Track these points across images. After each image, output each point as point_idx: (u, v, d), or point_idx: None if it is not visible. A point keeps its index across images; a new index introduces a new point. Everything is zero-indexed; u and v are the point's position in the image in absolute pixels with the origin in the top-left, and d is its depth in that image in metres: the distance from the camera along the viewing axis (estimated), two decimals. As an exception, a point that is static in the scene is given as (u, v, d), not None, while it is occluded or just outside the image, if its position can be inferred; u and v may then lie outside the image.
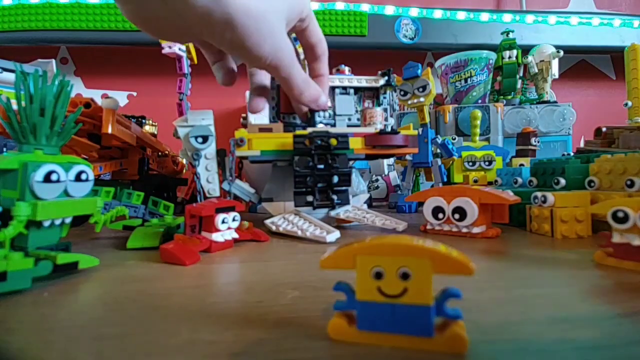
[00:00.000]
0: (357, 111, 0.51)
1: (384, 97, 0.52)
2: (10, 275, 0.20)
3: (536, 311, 0.17)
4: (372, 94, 0.52)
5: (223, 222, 0.31)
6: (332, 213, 0.41)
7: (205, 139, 0.37)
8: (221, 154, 0.42)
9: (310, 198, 0.40)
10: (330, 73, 0.52)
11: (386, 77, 0.51)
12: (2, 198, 0.23)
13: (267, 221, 0.40)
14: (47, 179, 0.23)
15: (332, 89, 0.50)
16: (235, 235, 0.33)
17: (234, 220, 0.32)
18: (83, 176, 0.26)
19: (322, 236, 0.34)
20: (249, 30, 0.28)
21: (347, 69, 0.52)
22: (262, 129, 0.42)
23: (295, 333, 0.15)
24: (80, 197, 0.26)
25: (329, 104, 0.40)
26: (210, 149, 0.39)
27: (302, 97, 0.36)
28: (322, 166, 0.40)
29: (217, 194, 0.39)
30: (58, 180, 0.24)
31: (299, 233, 0.36)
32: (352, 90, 0.50)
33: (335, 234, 0.34)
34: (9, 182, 0.23)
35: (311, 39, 0.36)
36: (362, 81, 0.51)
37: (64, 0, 0.95)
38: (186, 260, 0.27)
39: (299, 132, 0.41)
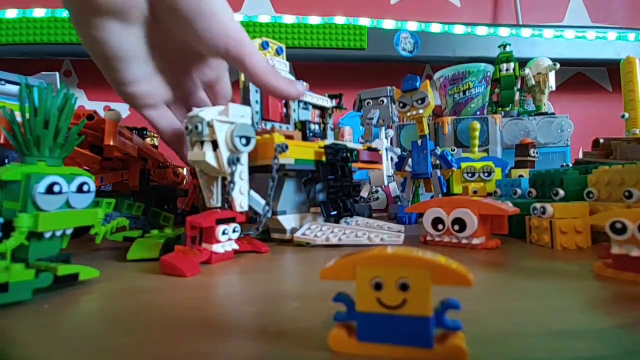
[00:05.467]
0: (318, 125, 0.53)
1: (330, 117, 0.56)
2: (12, 286, 0.20)
3: (536, 322, 0.17)
4: (322, 113, 0.55)
5: (223, 233, 0.31)
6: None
7: (248, 140, 0.32)
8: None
9: (332, 208, 0.42)
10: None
11: (336, 99, 0.54)
12: (4, 209, 0.24)
13: (299, 235, 0.38)
14: (49, 190, 0.23)
15: (299, 103, 0.51)
16: (236, 247, 0.33)
17: (234, 231, 0.32)
18: (85, 187, 0.26)
19: (396, 240, 0.37)
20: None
21: (305, 84, 0.54)
22: (288, 137, 0.39)
23: (296, 344, 0.15)
24: (81, 208, 0.26)
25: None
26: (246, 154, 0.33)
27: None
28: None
29: (247, 208, 0.34)
30: (60, 192, 0.24)
31: (365, 241, 0.37)
32: (310, 106, 0.52)
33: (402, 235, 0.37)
34: (12, 193, 0.23)
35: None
36: (314, 98, 0.53)
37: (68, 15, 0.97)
38: (186, 271, 0.27)
39: (321, 142, 0.42)
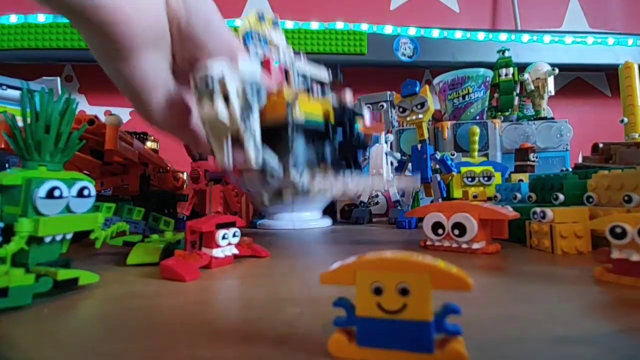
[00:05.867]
0: None
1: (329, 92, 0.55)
2: (12, 291, 0.20)
3: (536, 327, 0.17)
4: (322, 88, 0.54)
5: (223, 237, 0.31)
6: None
7: (259, 92, 0.32)
8: None
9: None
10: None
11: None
12: (5, 214, 0.24)
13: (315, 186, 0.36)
14: (49, 195, 0.24)
15: (297, 75, 0.51)
16: (236, 251, 0.33)
17: (234, 236, 0.32)
18: (85, 192, 0.26)
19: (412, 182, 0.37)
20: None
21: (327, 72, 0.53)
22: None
23: (296, 349, 0.15)
24: (81, 212, 0.26)
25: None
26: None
27: None
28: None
29: (261, 163, 0.32)
30: (61, 196, 0.24)
31: (382, 186, 0.36)
32: (309, 79, 0.52)
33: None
34: (12, 197, 0.24)
35: None
36: (312, 68, 0.51)
37: (70, 20, 0.98)
38: (186, 276, 0.27)
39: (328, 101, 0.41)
